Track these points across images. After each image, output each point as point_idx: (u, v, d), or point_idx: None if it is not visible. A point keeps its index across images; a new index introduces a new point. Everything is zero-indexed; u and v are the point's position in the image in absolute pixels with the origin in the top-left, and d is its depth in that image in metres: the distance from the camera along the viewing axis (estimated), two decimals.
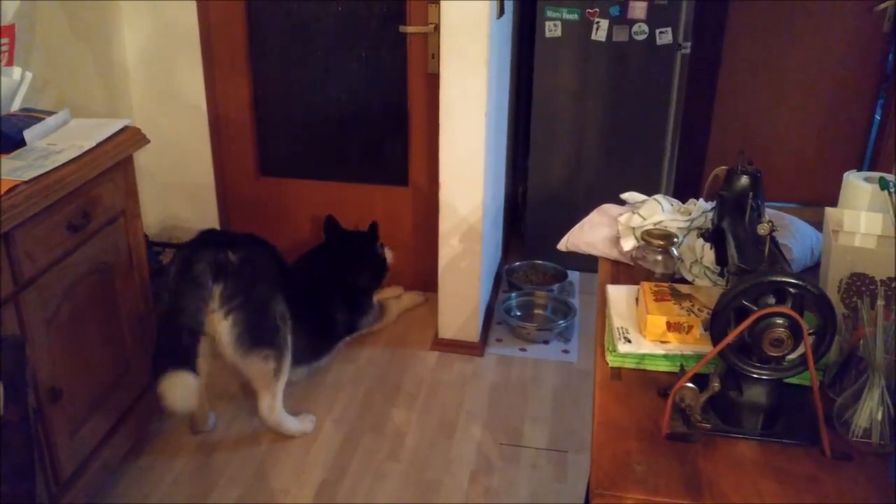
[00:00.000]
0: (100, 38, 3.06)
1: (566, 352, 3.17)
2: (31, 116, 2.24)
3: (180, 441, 2.62)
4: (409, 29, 3.06)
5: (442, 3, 2.67)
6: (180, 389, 2.17)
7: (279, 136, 3.47)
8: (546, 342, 3.23)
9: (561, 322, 3.25)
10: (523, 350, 3.18)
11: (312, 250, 3.15)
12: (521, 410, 2.82)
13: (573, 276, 3.65)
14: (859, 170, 1.74)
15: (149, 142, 2.36)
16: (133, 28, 3.21)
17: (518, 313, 3.38)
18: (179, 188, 3.49)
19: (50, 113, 2.30)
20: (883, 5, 3.91)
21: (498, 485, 2.47)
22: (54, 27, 2.74)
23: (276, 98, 3.40)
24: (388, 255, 3.25)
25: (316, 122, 3.40)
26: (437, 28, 2.93)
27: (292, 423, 2.64)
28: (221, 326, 2.34)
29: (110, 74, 3.15)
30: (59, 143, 2.14)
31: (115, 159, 2.21)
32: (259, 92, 3.38)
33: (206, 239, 2.45)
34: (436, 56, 2.97)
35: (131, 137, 2.30)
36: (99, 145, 2.15)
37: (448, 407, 2.83)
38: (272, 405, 2.55)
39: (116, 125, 2.28)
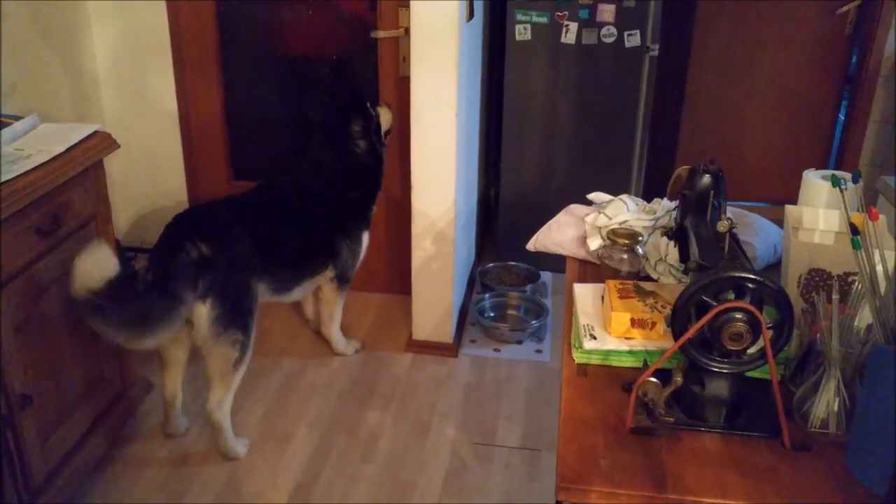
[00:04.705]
0: (68, 43, 3.05)
1: (539, 352, 3.20)
2: None
3: (154, 446, 2.61)
4: (381, 34, 3.07)
5: (412, 6, 2.69)
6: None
7: (251, 139, 3.46)
8: (519, 342, 3.25)
9: (534, 322, 3.28)
10: (497, 350, 3.20)
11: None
12: (494, 410, 2.84)
13: (546, 276, 3.68)
14: (824, 169, 1.78)
15: (119, 146, 2.35)
16: (102, 32, 3.20)
17: (491, 314, 3.41)
18: (151, 192, 3.48)
19: (17, 118, 2.28)
20: (845, 8, 3.98)
21: (472, 484, 2.49)
22: (21, 31, 2.72)
23: (248, 102, 3.39)
24: (385, 116, 2.93)
25: (287, 125, 3.40)
26: (407, 31, 2.95)
27: (231, 436, 2.54)
28: (199, 309, 2.32)
29: (79, 79, 3.14)
30: (27, 147, 2.13)
31: (85, 164, 2.20)
32: (230, 95, 3.37)
33: (178, 236, 2.37)
34: (406, 59, 2.99)
35: (101, 142, 2.29)
36: (68, 150, 2.15)
37: (422, 408, 2.85)
38: (222, 400, 2.47)
39: (86, 130, 2.28)
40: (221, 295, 2.33)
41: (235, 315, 2.39)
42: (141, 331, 2.17)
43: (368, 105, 2.85)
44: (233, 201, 2.63)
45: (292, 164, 2.91)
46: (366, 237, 2.94)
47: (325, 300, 3.01)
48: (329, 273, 2.88)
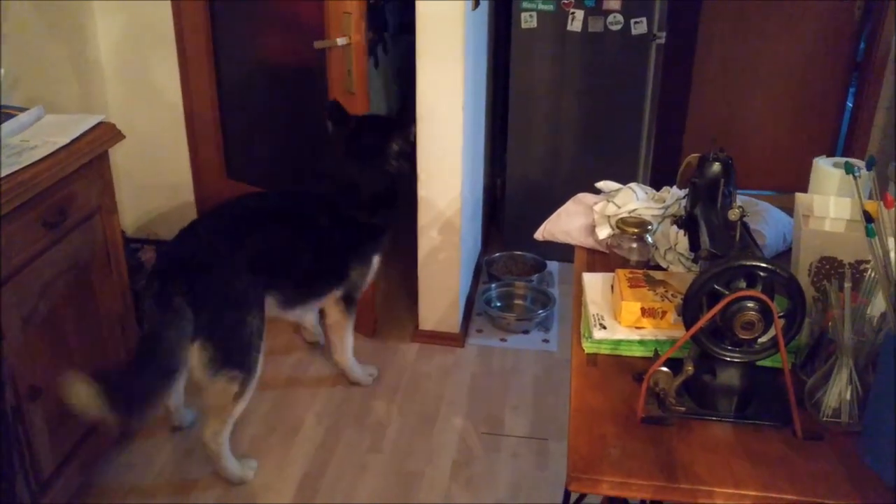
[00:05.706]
0: (73, 35, 3.04)
1: (546, 341, 3.19)
2: (3, 113, 2.22)
3: (161, 438, 2.62)
4: (324, 44, 2.74)
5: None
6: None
7: (245, 139, 3.44)
8: (526, 332, 3.25)
9: (540, 312, 3.27)
10: (503, 340, 3.20)
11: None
12: (501, 400, 2.83)
13: (552, 266, 3.67)
14: (832, 156, 1.77)
15: (124, 137, 2.34)
16: (107, 23, 3.19)
17: (498, 304, 3.40)
18: (156, 184, 3.48)
19: (23, 109, 2.28)
20: None
21: (479, 474, 2.49)
22: (25, 23, 2.72)
23: (239, 99, 3.37)
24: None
25: (280, 127, 3.37)
26: (351, 42, 2.69)
27: (232, 464, 2.40)
28: (191, 351, 2.16)
29: (84, 71, 3.13)
30: (32, 139, 2.12)
31: (91, 155, 2.19)
32: (225, 93, 3.35)
33: (170, 269, 2.20)
34: (352, 72, 2.74)
35: (106, 133, 2.28)
36: (74, 141, 2.14)
37: (429, 398, 2.84)
38: (218, 432, 2.34)
39: (91, 121, 2.27)
40: (213, 336, 2.17)
41: (232, 353, 2.23)
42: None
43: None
44: (245, 211, 2.44)
45: (306, 172, 2.73)
46: (376, 260, 2.74)
47: (334, 325, 2.79)
48: (337, 293, 2.68)
